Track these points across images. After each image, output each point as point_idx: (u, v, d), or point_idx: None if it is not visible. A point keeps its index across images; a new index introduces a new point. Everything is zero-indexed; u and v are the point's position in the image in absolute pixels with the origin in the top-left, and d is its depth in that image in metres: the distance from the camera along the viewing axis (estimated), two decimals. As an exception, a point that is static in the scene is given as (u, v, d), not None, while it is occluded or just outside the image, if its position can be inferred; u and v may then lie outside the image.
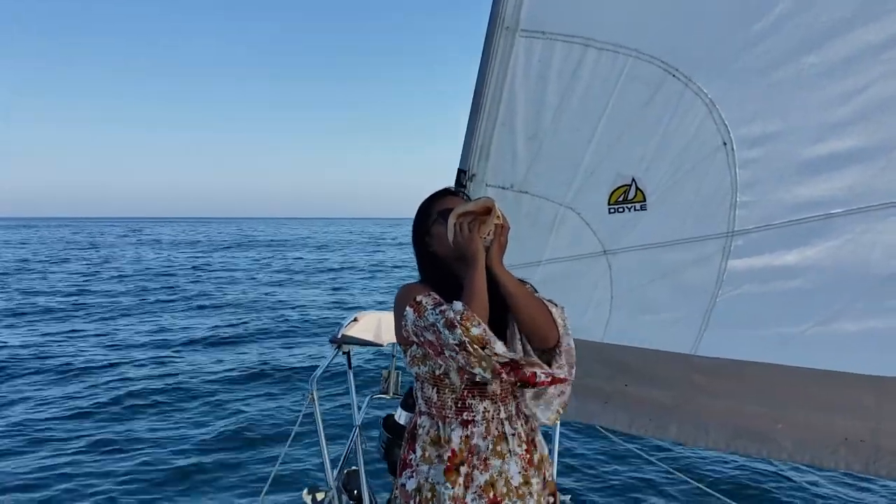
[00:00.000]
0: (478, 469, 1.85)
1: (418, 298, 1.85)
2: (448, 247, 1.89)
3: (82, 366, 12.42)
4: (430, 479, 1.88)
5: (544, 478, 1.97)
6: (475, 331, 1.71)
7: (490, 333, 1.73)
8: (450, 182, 2.79)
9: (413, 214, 2.08)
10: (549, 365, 1.89)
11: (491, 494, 1.84)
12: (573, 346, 1.95)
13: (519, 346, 1.91)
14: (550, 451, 2.15)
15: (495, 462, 1.87)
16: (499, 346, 1.74)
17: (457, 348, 1.72)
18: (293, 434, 3.41)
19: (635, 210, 2.59)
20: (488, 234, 1.85)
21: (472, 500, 1.83)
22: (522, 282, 1.97)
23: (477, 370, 1.76)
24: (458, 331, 1.70)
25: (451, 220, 1.86)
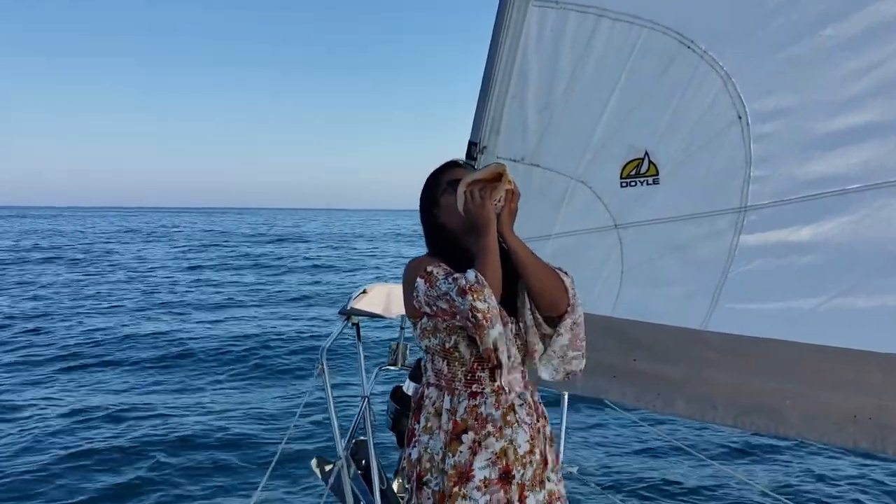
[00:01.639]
0: (493, 436, 1.85)
1: (429, 269, 1.86)
2: (457, 217, 1.88)
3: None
4: (429, 449, 1.90)
5: (545, 453, 1.95)
6: (480, 306, 1.71)
7: (493, 313, 1.73)
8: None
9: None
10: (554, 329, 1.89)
11: (504, 463, 1.84)
12: (582, 316, 1.94)
13: (528, 315, 1.91)
14: (558, 425, 2.15)
15: (507, 430, 1.87)
16: (496, 329, 1.74)
17: (469, 315, 1.72)
18: (303, 404, 3.46)
19: (647, 184, 2.56)
20: (499, 201, 1.83)
21: (483, 468, 1.83)
22: None
23: (482, 345, 1.77)
24: (469, 298, 1.71)
25: (461, 189, 1.84)
